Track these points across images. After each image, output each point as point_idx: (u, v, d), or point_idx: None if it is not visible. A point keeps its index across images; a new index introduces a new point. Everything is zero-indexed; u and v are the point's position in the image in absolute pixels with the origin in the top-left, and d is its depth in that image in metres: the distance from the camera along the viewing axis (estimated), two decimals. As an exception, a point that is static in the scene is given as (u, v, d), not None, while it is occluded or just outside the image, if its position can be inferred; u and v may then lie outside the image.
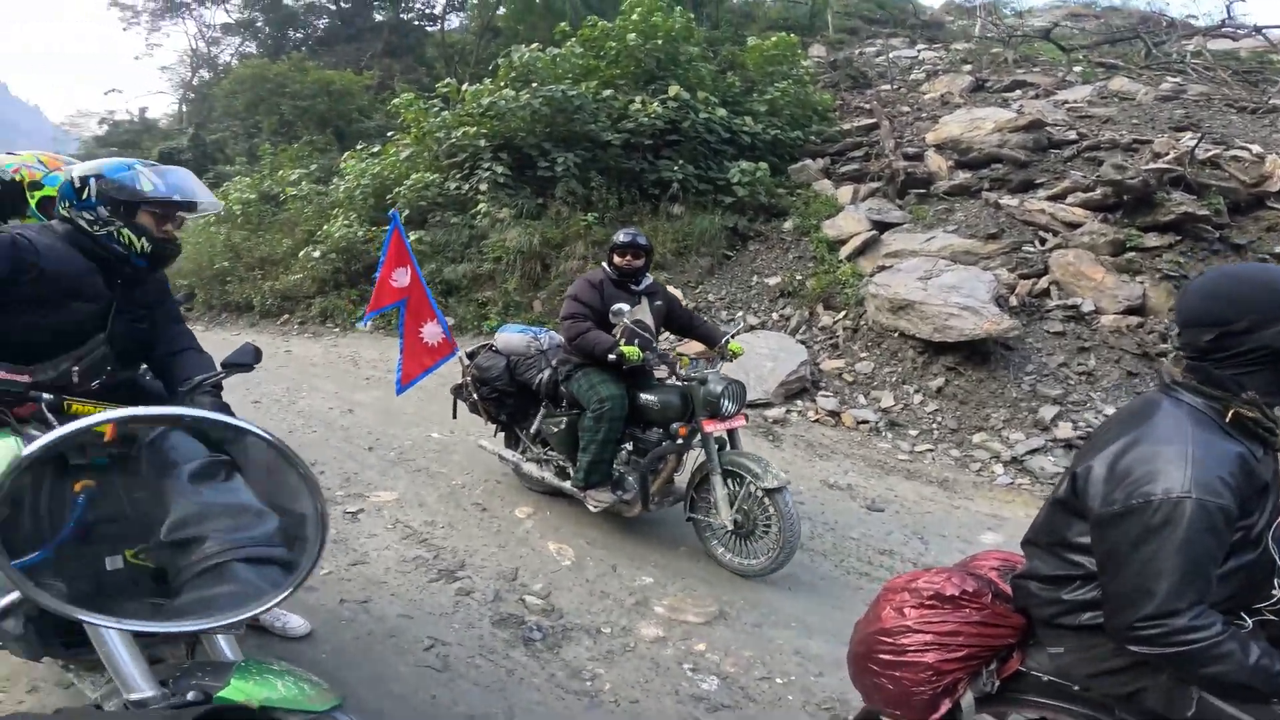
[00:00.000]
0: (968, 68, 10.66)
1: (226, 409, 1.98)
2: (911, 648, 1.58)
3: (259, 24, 22.97)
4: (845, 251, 6.77)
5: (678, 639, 2.74)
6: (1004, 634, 1.57)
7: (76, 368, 1.77)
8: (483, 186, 8.39)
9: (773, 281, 6.93)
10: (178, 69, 25.04)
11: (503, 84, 8.74)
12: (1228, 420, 1.32)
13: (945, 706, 1.57)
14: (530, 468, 3.83)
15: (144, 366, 2.16)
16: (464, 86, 9.17)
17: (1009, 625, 1.56)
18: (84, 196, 1.80)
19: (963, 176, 7.26)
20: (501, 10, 16.21)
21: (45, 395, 1.62)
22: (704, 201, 7.94)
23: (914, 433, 5.07)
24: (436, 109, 9.34)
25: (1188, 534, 1.23)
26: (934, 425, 5.08)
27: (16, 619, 1.45)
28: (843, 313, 6.28)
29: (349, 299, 9.20)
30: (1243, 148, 6.52)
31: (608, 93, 8.31)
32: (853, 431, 5.17)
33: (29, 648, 1.52)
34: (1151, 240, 5.83)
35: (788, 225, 7.52)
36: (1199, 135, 6.54)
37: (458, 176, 8.83)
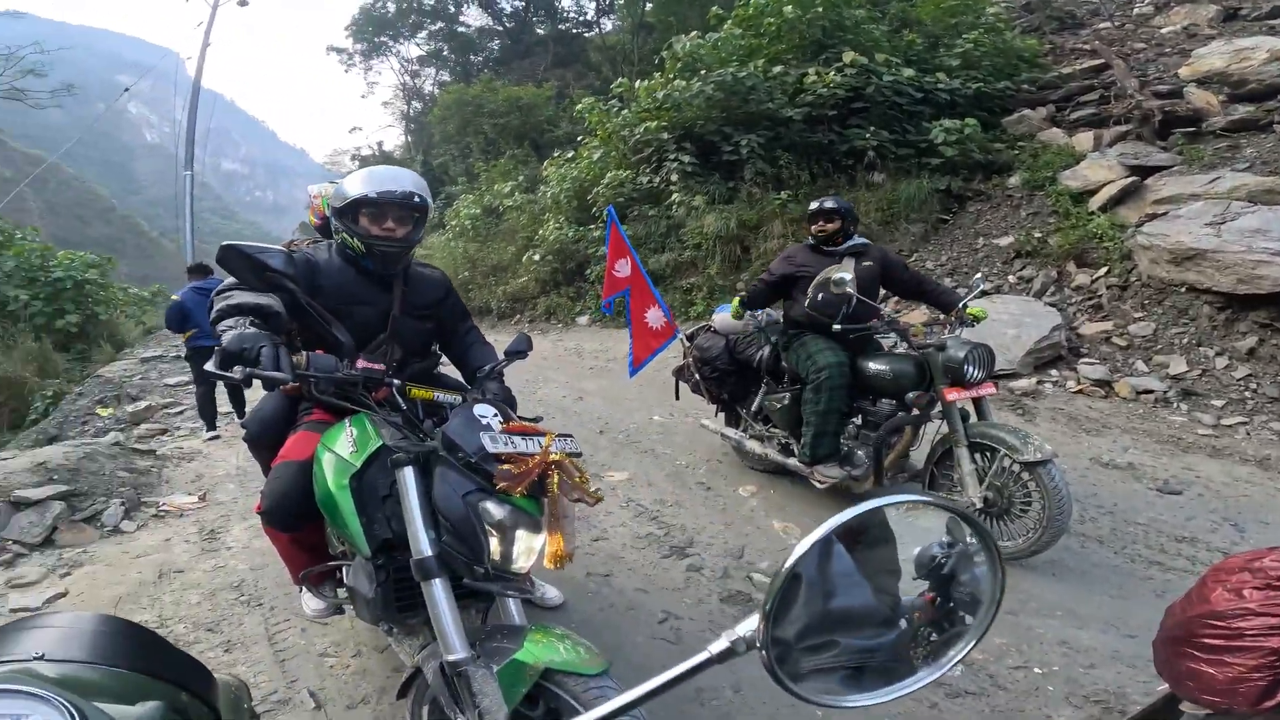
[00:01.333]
0: None
1: (509, 393, 2.18)
2: (1250, 631, 1.39)
3: (445, 53, 25.33)
4: (1096, 202, 5.97)
5: None
6: None
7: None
8: (673, 177, 8.55)
9: (1004, 242, 6.19)
10: (395, 103, 27.86)
11: (671, 76, 8.82)
12: None
13: None
14: (753, 445, 3.79)
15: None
16: (637, 84, 9.36)
17: None
18: (329, 215, 2.09)
19: (1243, 110, 6.12)
20: (649, 5, 16.29)
21: (395, 381, 1.87)
22: (906, 166, 7.42)
23: (1219, 403, 4.17)
24: (615, 109, 9.65)
25: None
26: (1247, 393, 4.14)
27: (372, 583, 1.67)
28: (1104, 269, 5.41)
29: (567, 296, 9.92)
30: None
31: (778, 69, 8.04)
32: (1131, 403, 4.39)
33: (374, 610, 1.71)
34: None
35: (1014, 181, 6.77)
36: None
37: (647, 170, 9.07)
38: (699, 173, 8.50)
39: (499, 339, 2.38)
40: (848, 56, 7.67)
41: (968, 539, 0.80)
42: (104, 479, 3.73)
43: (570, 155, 11.09)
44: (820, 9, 8.15)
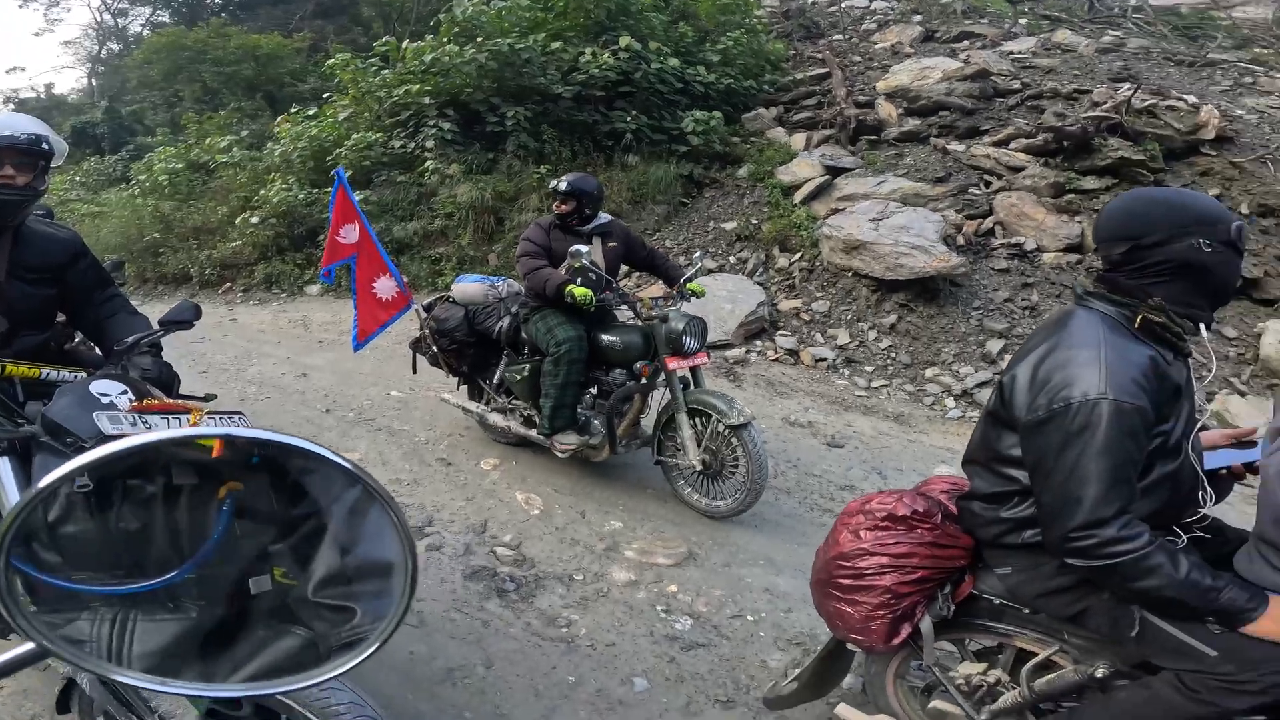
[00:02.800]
0: (918, 18, 10.67)
1: (168, 368, 1.92)
2: (869, 570, 1.58)
3: None
4: (799, 196, 6.88)
5: (649, 582, 2.78)
6: (955, 555, 1.59)
7: None
8: (429, 144, 8.23)
9: (729, 226, 6.96)
10: (82, 43, 24.09)
11: (446, 40, 8.47)
12: (1137, 326, 1.38)
13: (905, 631, 1.58)
14: (495, 418, 3.82)
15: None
16: (404, 44, 8.84)
17: (959, 546, 1.59)
18: None
19: (912, 123, 7.43)
20: (442, -36, 15.47)
21: None
22: (659, 151, 7.91)
23: (870, 369, 5.20)
24: (375, 68, 9.04)
25: (1107, 436, 1.27)
26: (888, 361, 5.22)
27: None
28: (798, 254, 6.36)
29: (294, 263, 8.88)
30: (1178, 98, 6.73)
31: (557, 45, 8.11)
32: (811, 370, 5.28)
33: None
34: (1089, 183, 6.04)
35: (742, 172, 7.57)
36: (1136, 85, 6.73)
37: (402, 135, 8.63)
38: (458, 141, 8.26)
39: (205, 309, 2.08)
40: (624, 41, 7.92)
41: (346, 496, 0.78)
42: None
43: (312, 112, 9.99)
44: None
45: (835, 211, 6.40)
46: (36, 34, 54.39)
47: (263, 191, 9.27)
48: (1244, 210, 5.65)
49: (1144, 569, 1.27)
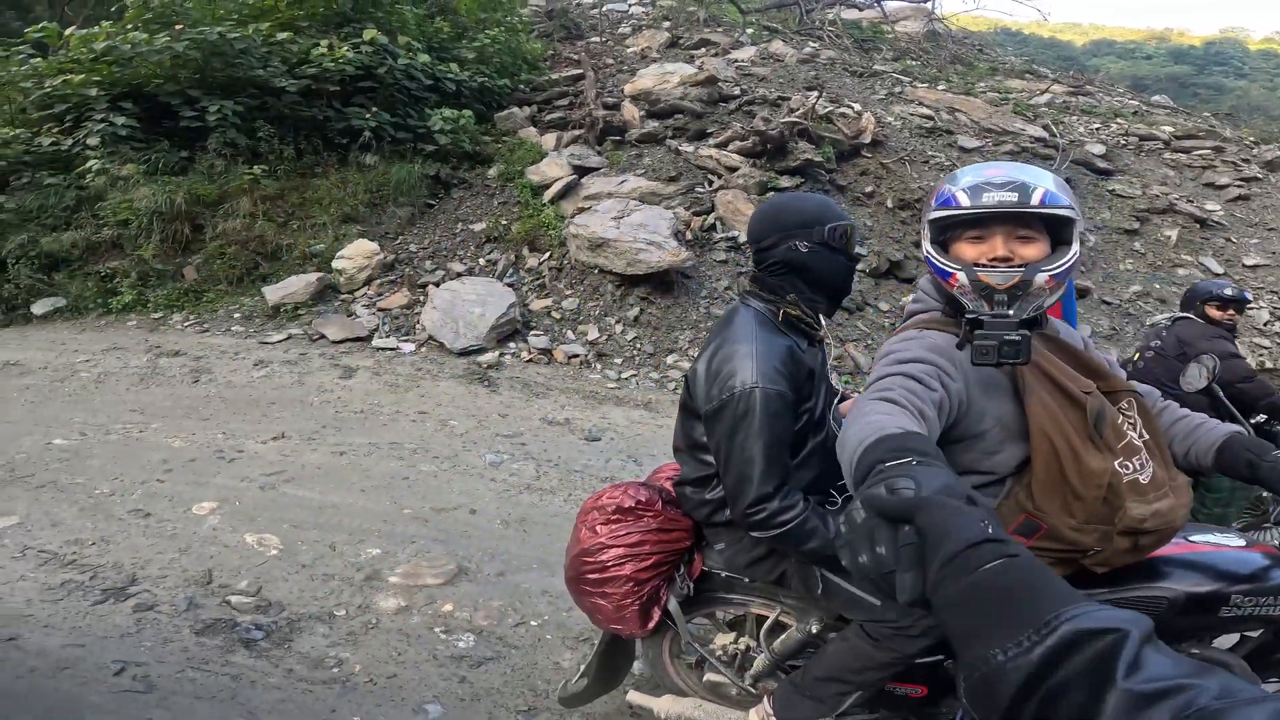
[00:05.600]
0: (667, 24, 11.44)
1: None
2: (610, 562, 1.66)
3: None
4: (548, 195, 6.99)
5: (422, 604, 2.65)
6: (680, 537, 1.72)
7: None
8: (92, 141, 6.74)
9: (478, 228, 6.82)
10: None
11: (130, 27, 7.08)
12: (780, 319, 1.60)
13: (656, 615, 1.69)
14: None
15: None
16: (69, 31, 7.29)
17: (681, 528, 1.72)
18: None
19: (651, 125, 7.93)
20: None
21: None
22: (402, 150, 7.48)
23: (619, 361, 5.48)
24: (21, 56, 7.28)
25: (762, 420, 1.46)
26: (635, 352, 5.55)
27: None
28: (547, 254, 6.46)
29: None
30: (849, 105, 8.16)
31: (284, 35, 7.24)
32: (565, 366, 5.40)
33: None
34: (784, 181, 7.03)
35: (493, 172, 7.47)
36: (820, 94, 7.97)
37: (55, 131, 7.04)
38: (138, 138, 6.93)
39: None
40: (369, 34, 7.31)
41: None
42: None
43: None
44: None
45: (581, 210, 6.61)
46: None
47: None
48: (889, 205, 7.05)
49: (805, 532, 1.45)
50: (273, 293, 6.07)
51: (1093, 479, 1.22)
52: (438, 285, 6.12)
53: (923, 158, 7.64)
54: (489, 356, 5.38)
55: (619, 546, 1.66)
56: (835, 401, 1.67)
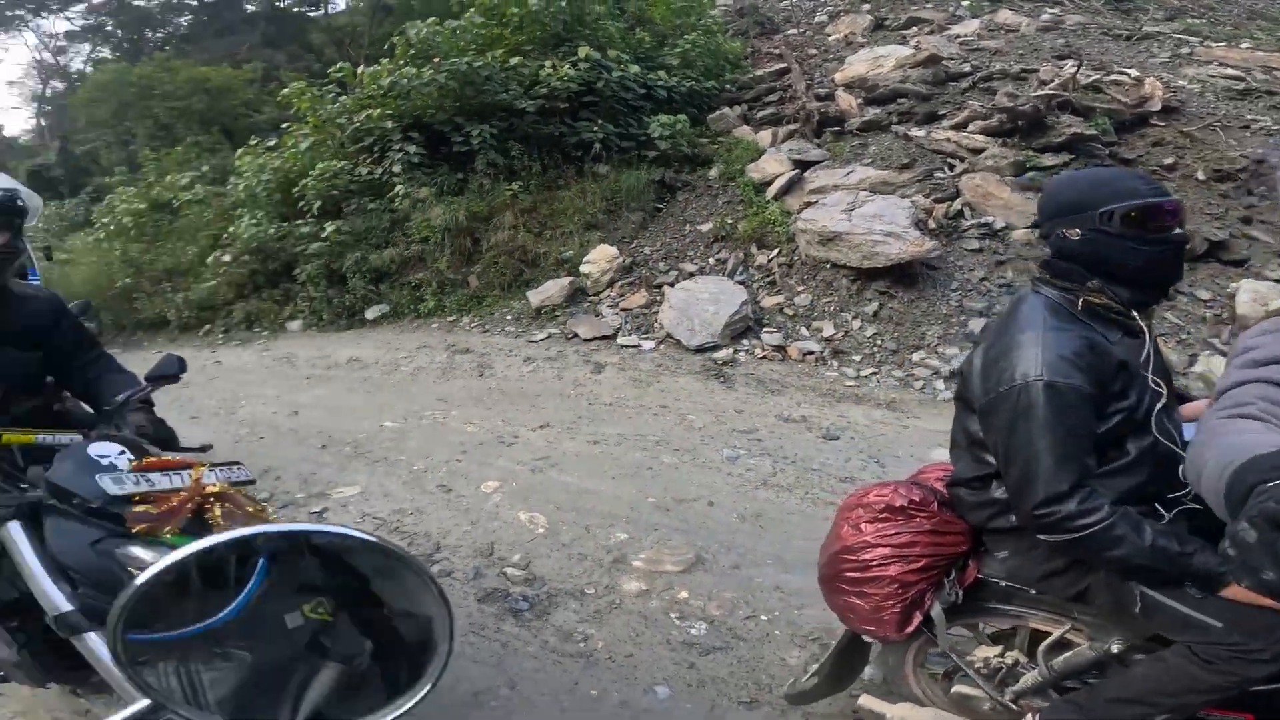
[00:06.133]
0: (866, 6, 10.83)
1: (162, 423, 1.93)
2: (874, 562, 1.61)
3: (109, 28, 21.43)
4: (771, 192, 6.95)
5: (660, 590, 2.79)
6: (956, 541, 1.62)
7: None
8: (396, 168, 8.13)
9: (705, 228, 7.01)
10: (25, 82, 23.79)
11: (401, 62, 8.40)
12: (1080, 308, 1.42)
13: (917, 619, 1.60)
14: None
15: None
16: (360, 69, 8.76)
17: (957, 532, 1.62)
18: None
19: (872, 113, 7.51)
20: (390, -13, 15.48)
21: None
22: (628, 158, 7.94)
23: (857, 358, 5.27)
24: (332, 95, 8.93)
25: (1047, 414, 1.32)
26: (875, 349, 5.29)
27: (12, 647, 1.45)
28: (776, 250, 6.43)
29: (273, 300, 8.80)
30: (1121, 72, 6.92)
31: (516, 60, 8.11)
32: (799, 364, 5.34)
33: (31, 674, 1.51)
34: (1048, 159, 6.16)
35: (713, 173, 7.62)
36: (1079, 62, 6.88)
37: (368, 161, 8.49)
38: (426, 164, 8.17)
39: (184, 353, 2.10)
40: (583, 51, 7.94)
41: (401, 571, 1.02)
42: None
43: (272, 144, 9.83)
44: (564, 2, 8.30)
45: (808, 205, 6.47)
46: (-21, 76, 53.28)
47: (231, 228, 9.14)
48: (1199, 177, 5.79)
49: (1110, 539, 1.30)
50: (534, 296, 6.89)
51: None
52: (672, 285, 6.42)
53: (1240, 123, 6.23)
54: (723, 353, 5.52)
55: (885, 546, 1.61)
56: (1160, 405, 1.43)
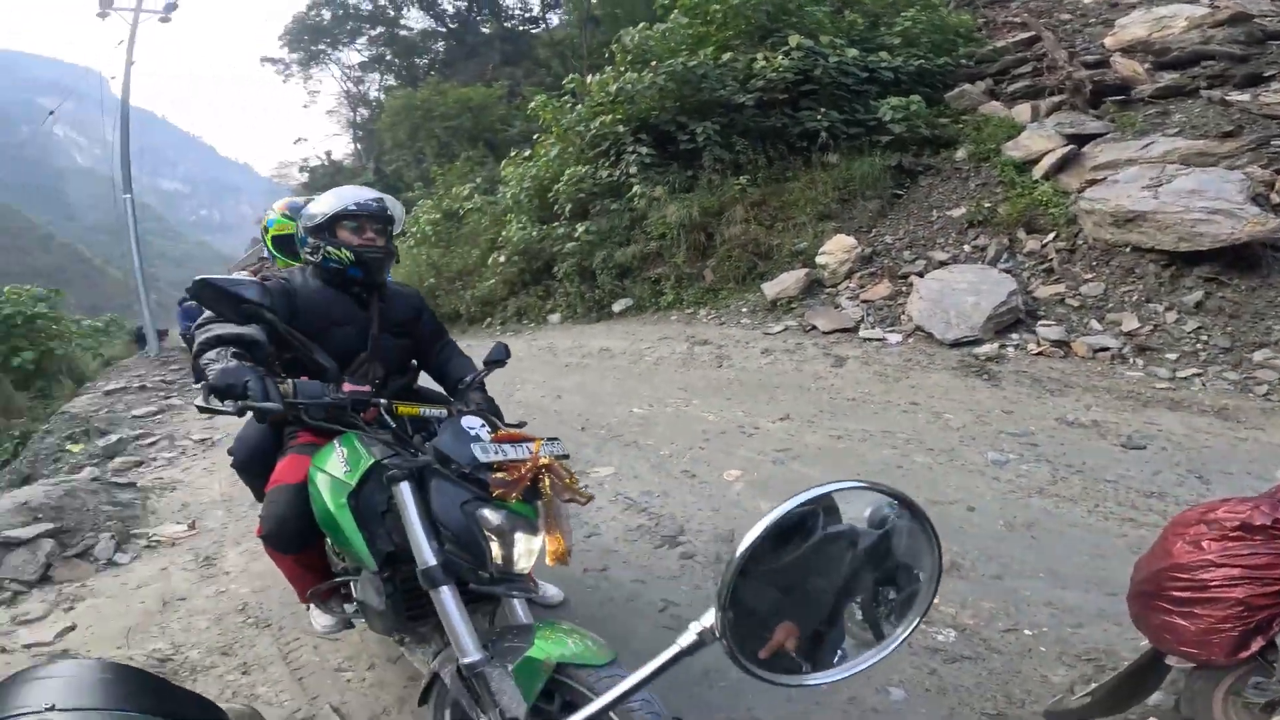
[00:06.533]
0: None
1: (493, 402, 2.25)
2: (1215, 583, 1.49)
3: (388, 57, 24.89)
4: (1039, 171, 6.25)
5: None
6: None
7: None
8: (632, 169, 8.60)
9: (957, 213, 6.41)
10: (340, 110, 27.69)
11: (622, 68, 8.85)
12: None
13: (1258, 644, 1.46)
14: None
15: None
16: (588, 78, 9.37)
17: None
18: (299, 237, 2.15)
19: (1169, 78, 6.46)
20: (595, -1, 16.31)
21: (382, 401, 1.92)
22: (858, 145, 7.60)
23: (1173, 356, 4.40)
24: (569, 105, 9.66)
25: None
26: (1199, 346, 4.37)
27: (381, 596, 1.73)
28: (1051, 234, 5.68)
29: (536, 295, 9.92)
30: None
31: (727, 55, 8.16)
32: (1089, 361, 4.61)
33: (386, 622, 1.78)
34: None
35: (960, 154, 7.02)
36: None
37: (606, 165, 9.08)
38: (657, 163, 8.59)
39: (471, 345, 2.45)
40: (793, 40, 7.81)
41: (898, 518, 0.86)
42: (89, 514, 3.66)
43: (527, 154, 11.06)
44: None
45: (1093, 183, 5.67)
46: (305, 106, 67.57)
47: (504, 232, 10.43)
48: None
49: None
50: (769, 289, 6.84)
51: None
52: (920, 275, 5.95)
53: None
54: (987, 348, 4.97)
55: (1234, 567, 1.48)
56: None
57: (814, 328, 6.12)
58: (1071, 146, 6.19)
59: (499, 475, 1.61)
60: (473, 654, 1.48)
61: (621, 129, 8.72)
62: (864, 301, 6.18)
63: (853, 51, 7.86)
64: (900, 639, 0.83)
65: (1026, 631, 2.38)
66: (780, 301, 6.73)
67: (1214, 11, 6.93)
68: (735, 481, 3.78)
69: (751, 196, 7.79)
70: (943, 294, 5.55)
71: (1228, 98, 5.87)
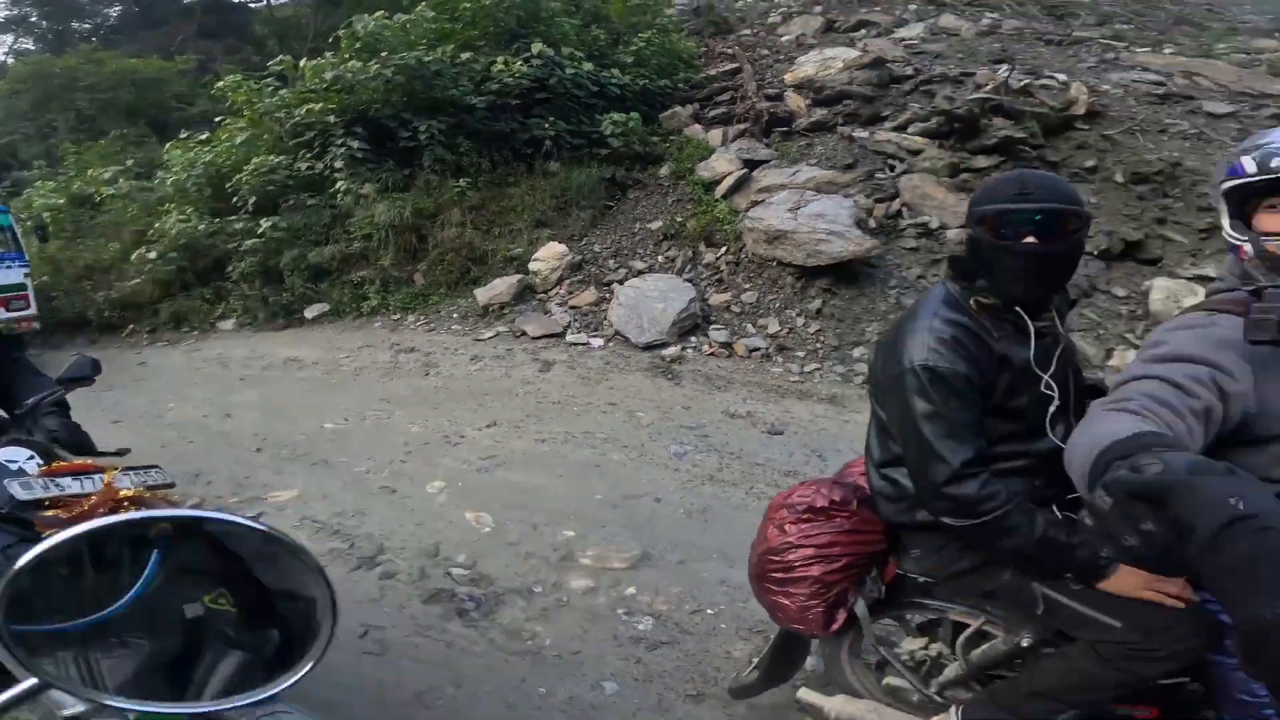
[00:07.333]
0: (818, 9, 11.08)
1: (76, 428, 1.89)
2: (797, 563, 1.62)
3: (33, 19, 20.58)
4: (720, 191, 7.02)
5: (607, 587, 2.80)
6: (874, 539, 1.64)
7: None
8: (338, 164, 7.93)
9: (655, 226, 7.05)
10: None
11: (347, 56, 8.20)
12: (972, 303, 1.46)
13: (842, 617, 1.63)
14: None
15: None
16: (303, 62, 8.51)
17: (876, 530, 1.64)
18: None
19: (819, 113, 7.67)
20: (339, -21, 15.05)
21: None
22: (579, 155, 7.93)
23: (801, 354, 5.38)
24: (272, 88, 8.66)
25: (932, 398, 1.36)
26: (818, 345, 5.41)
27: None
28: (724, 249, 6.51)
29: (202, 298, 8.44)
30: (1050, 77, 7.26)
31: (467, 55, 8.01)
32: (746, 360, 5.42)
33: None
34: (980, 161, 6.41)
35: (664, 171, 7.67)
36: (1012, 66, 7.21)
37: (308, 156, 8.27)
38: (370, 159, 8.00)
39: (106, 355, 2.00)
40: (536, 47, 7.87)
41: (265, 546, 1.08)
42: None
43: (204, 137, 9.48)
44: None
45: (756, 204, 6.55)
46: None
47: (158, 224, 8.77)
48: (1118, 179, 6.12)
49: (1005, 528, 1.34)
50: (482, 294, 6.80)
51: None
52: (621, 283, 6.44)
53: (1158, 127, 6.58)
54: (671, 350, 5.57)
55: (808, 547, 1.62)
56: (1054, 408, 1.46)
57: (524, 333, 6.22)
58: (745, 170, 7.06)
59: (52, 513, 1.37)
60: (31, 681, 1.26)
61: (333, 119, 7.97)
62: (572, 307, 6.46)
63: (589, 65, 8.12)
64: (313, 658, 0.97)
65: (709, 611, 2.63)
66: (493, 307, 6.71)
67: (862, 55, 8.12)
68: (439, 493, 3.67)
69: (471, 200, 7.65)
70: (638, 301, 6.07)
71: (853, 134, 7.16)
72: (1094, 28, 10.01)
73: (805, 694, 1.88)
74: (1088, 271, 5.52)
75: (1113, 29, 9.92)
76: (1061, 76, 7.31)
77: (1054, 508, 1.43)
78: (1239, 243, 1.19)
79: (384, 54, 7.84)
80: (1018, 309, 1.44)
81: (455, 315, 6.82)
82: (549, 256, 6.94)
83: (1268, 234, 1.16)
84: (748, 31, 10.73)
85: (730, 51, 9.70)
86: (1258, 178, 1.15)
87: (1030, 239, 1.37)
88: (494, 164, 7.99)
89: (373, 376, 5.72)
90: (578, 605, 2.71)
